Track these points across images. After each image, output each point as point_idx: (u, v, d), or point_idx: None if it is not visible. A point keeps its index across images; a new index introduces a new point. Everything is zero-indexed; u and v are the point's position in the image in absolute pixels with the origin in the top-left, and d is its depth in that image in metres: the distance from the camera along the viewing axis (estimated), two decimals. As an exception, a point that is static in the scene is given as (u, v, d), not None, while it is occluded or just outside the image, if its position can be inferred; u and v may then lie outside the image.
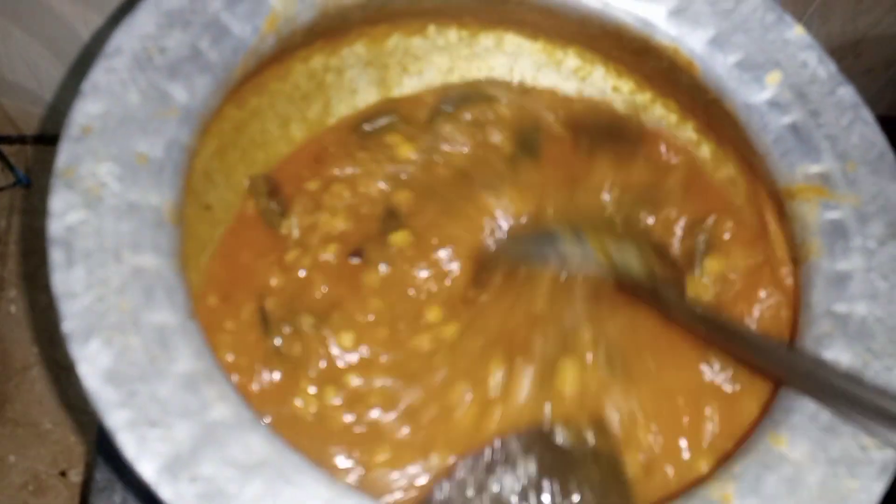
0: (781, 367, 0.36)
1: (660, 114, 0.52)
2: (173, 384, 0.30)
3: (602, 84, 0.54)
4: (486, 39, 0.54)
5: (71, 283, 0.30)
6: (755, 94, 0.44)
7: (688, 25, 0.46)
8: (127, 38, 0.37)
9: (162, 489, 0.27)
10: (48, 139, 0.83)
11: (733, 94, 0.44)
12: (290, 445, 0.31)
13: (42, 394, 0.72)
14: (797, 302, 0.40)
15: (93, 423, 0.72)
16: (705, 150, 0.51)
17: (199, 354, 0.31)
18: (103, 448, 0.51)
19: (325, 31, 0.48)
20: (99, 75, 0.35)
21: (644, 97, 0.53)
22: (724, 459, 0.36)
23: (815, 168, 0.41)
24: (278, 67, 0.48)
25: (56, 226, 0.31)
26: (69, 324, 0.30)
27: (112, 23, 0.69)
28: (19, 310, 0.75)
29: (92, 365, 0.29)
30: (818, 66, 0.43)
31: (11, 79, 0.75)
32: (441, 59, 0.54)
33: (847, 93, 0.42)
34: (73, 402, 0.72)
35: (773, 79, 0.44)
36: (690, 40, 0.45)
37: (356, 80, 0.53)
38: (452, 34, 0.54)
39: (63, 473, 0.70)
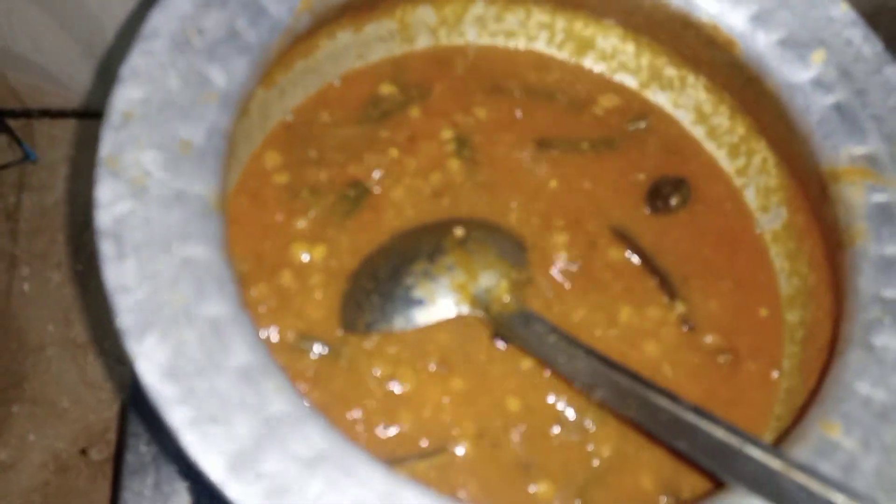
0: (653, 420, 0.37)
1: (695, 93, 0.51)
2: (231, 378, 0.30)
3: (631, 60, 0.53)
4: (514, 14, 0.53)
5: (123, 277, 0.30)
6: (799, 73, 0.43)
7: (728, 1, 0.45)
8: (164, 18, 0.35)
9: (229, 488, 0.27)
10: (54, 113, 0.81)
11: (775, 72, 0.44)
12: (348, 438, 0.30)
13: (59, 372, 0.71)
14: (841, 286, 0.40)
15: (112, 402, 0.71)
16: (740, 129, 0.51)
17: (253, 346, 0.31)
18: (135, 425, 0.51)
19: (353, 6, 0.47)
20: (138, 59, 0.34)
21: (675, 72, 0.52)
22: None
23: (860, 149, 0.41)
24: (305, 44, 0.47)
25: (104, 217, 0.31)
26: (124, 319, 0.29)
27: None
28: (32, 288, 0.74)
29: (150, 361, 0.28)
30: (863, 44, 0.42)
31: (16, 52, 0.73)
32: (470, 30, 0.53)
33: (894, 72, 0.42)
34: (91, 379, 0.71)
35: (818, 57, 0.43)
36: (731, 17, 0.44)
37: (380, 52, 0.52)
38: (479, 6, 0.53)
39: (84, 452, 0.70)
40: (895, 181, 0.39)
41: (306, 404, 0.30)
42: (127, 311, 0.29)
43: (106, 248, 0.30)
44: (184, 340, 0.29)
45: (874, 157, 0.40)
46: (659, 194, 0.49)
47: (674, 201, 0.49)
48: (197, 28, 0.36)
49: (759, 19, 0.44)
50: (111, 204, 0.31)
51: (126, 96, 0.33)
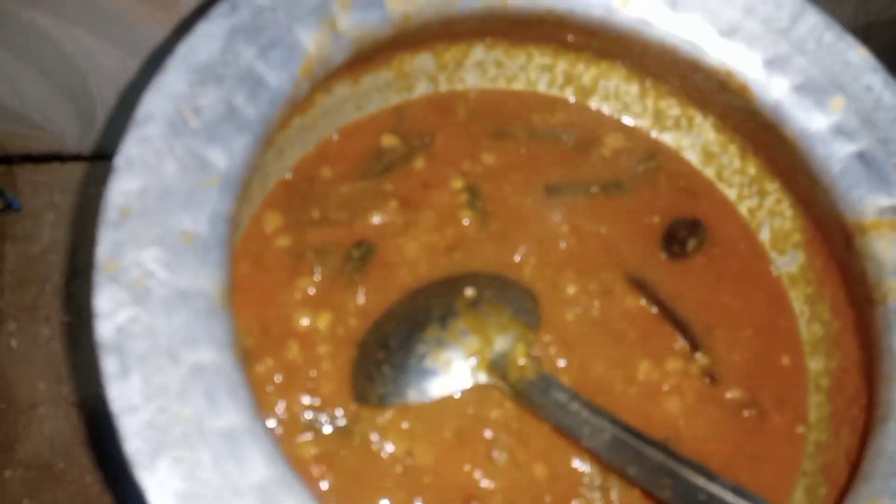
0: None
1: (706, 134, 0.50)
2: (250, 499, 0.28)
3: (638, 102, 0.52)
4: (515, 59, 0.51)
5: (129, 396, 0.28)
6: (817, 121, 0.42)
7: (741, 46, 0.43)
8: (159, 100, 0.33)
9: None
10: (36, 158, 0.78)
11: (792, 120, 0.42)
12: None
13: (52, 433, 0.69)
14: (874, 344, 0.39)
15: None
16: (751, 170, 0.49)
17: (271, 459, 0.29)
18: None
19: (351, 63, 0.45)
20: (132, 147, 0.32)
21: (682, 112, 0.51)
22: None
23: (887, 201, 0.39)
24: (302, 103, 0.45)
25: (105, 329, 0.28)
26: (132, 445, 0.27)
27: (103, 40, 0.64)
28: (20, 344, 0.72)
29: (163, 491, 0.26)
30: (884, 89, 0.41)
31: (-7, 98, 0.71)
32: (470, 75, 0.51)
33: (916, 119, 0.41)
34: (86, 439, 0.69)
35: (837, 104, 0.41)
36: (744, 62, 0.43)
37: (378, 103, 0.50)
38: (479, 51, 0.51)
39: (81, 514, 0.67)
40: (926, 235, 0.38)
41: (332, 522, 0.28)
42: (135, 435, 0.27)
43: (109, 365, 0.28)
44: (198, 462, 0.27)
45: (902, 210, 0.39)
46: (675, 238, 0.47)
47: (690, 245, 0.47)
48: (193, 108, 0.34)
49: (774, 65, 0.42)
50: (112, 313, 0.29)
51: (122, 189, 0.31)
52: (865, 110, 0.41)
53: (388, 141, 0.49)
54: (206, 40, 0.35)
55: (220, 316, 0.31)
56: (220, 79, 0.35)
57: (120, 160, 0.32)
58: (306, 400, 0.40)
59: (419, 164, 0.49)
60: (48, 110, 0.74)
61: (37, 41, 0.66)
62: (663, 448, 0.37)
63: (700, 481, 0.35)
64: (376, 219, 0.46)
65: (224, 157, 0.34)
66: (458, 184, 0.48)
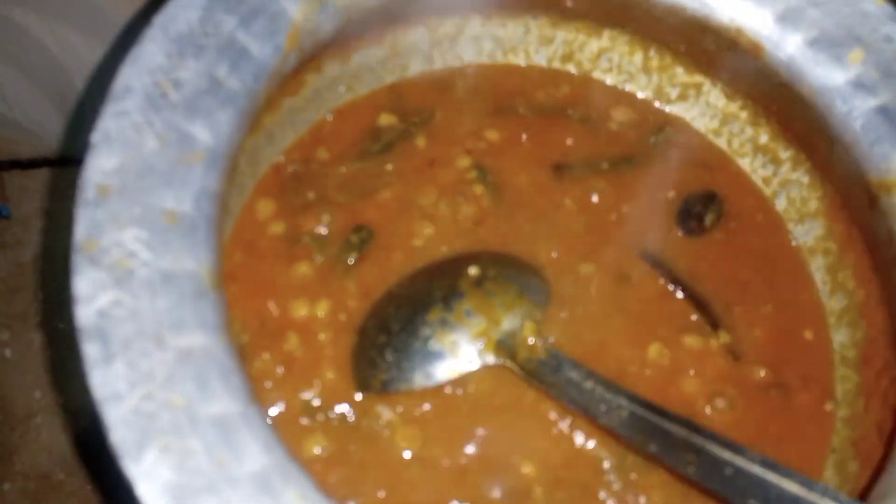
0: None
1: (715, 102, 0.47)
2: (247, 490, 0.25)
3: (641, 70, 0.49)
4: (516, 27, 0.49)
5: (112, 383, 0.25)
6: (835, 76, 0.39)
7: (750, 2, 0.41)
8: (136, 73, 0.31)
9: None
10: (25, 164, 0.76)
11: (809, 76, 0.40)
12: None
13: (50, 442, 0.67)
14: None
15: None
16: (763, 137, 0.47)
17: (268, 446, 0.27)
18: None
19: (341, 38, 0.43)
20: (109, 122, 0.30)
21: (690, 80, 0.49)
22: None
23: (913, 156, 0.37)
24: (292, 82, 0.43)
25: (85, 313, 0.26)
26: (117, 434, 0.25)
27: (87, 35, 0.63)
28: (15, 353, 0.70)
29: (152, 482, 0.24)
30: (903, 40, 0.39)
31: (-23, 102, 0.69)
32: (466, 50, 0.49)
33: (940, 69, 0.38)
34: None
35: (855, 57, 0.39)
36: (755, 19, 0.41)
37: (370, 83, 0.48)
38: (475, 25, 0.49)
39: (83, 526, 0.65)
40: (956, 189, 0.36)
41: (335, 510, 0.26)
42: (119, 424, 0.25)
43: (90, 351, 0.26)
44: (189, 451, 0.25)
45: (930, 164, 0.37)
46: (691, 214, 0.45)
47: (708, 220, 0.45)
48: (173, 80, 0.32)
49: (787, 19, 0.40)
50: (92, 297, 0.27)
51: (99, 167, 0.29)
52: (886, 62, 0.39)
53: (386, 119, 0.47)
54: (184, 9, 0.33)
55: (209, 298, 0.29)
56: (200, 50, 0.33)
57: (96, 136, 0.30)
58: (308, 394, 0.38)
59: (420, 142, 0.46)
60: (35, 113, 0.72)
61: (18, 39, 0.64)
62: (686, 422, 0.35)
63: (726, 455, 0.33)
64: (379, 199, 0.44)
65: (208, 132, 0.32)
66: (464, 162, 0.46)
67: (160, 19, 0.33)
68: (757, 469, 0.33)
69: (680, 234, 0.45)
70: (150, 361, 0.26)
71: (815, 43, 0.40)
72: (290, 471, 0.27)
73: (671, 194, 0.46)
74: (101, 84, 0.32)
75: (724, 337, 0.42)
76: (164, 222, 0.29)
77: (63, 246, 0.76)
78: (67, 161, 0.75)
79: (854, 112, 0.39)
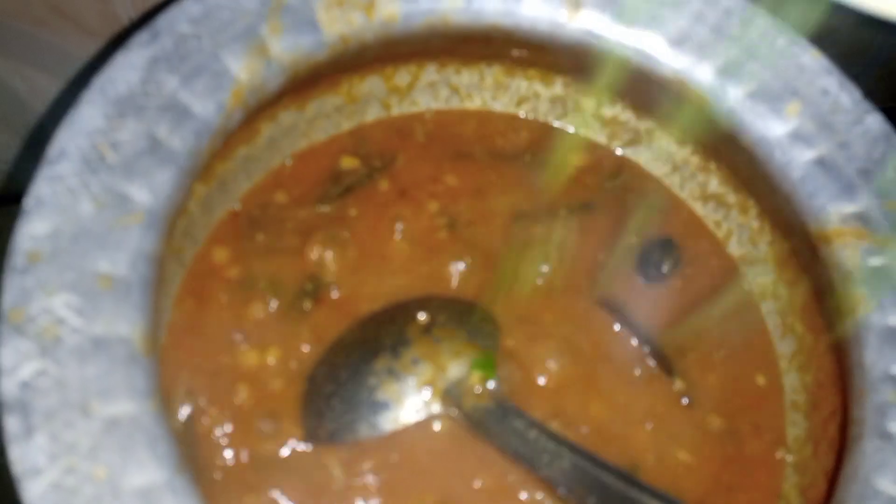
0: None
1: (665, 145, 0.48)
2: (169, 565, 0.25)
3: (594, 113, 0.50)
4: (471, 75, 0.50)
5: (32, 457, 0.25)
6: (774, 127, 0.40)
7: (692, 55, 0.42)
8: (72, 137, 0.31)
9: None
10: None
11: (750, 127, 0.41)
12: None
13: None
14: (845, 358, 0.37)
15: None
16: (714, 181, 0.48)
17: (195, 518, 0.27)
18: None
19: (293, 89, 0.43)
20: (42, 187, 0.30)
21: (642, 126, 0.49)
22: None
23: (850, 208, 0.38)
24: (245, 130, 0.43)
25: (7, 385, 0.26)
26: (35, 510, 0.25)
27: (55, 78, 0.63)
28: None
29: (69, 561, 0.24)
30: (840, 92, 0.40)
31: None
32: (423, 97, 0.50)
33: (875, 121, 0.39)
34: None
35: (793, 109, 0.40)
36: (697, 71, 0.42)
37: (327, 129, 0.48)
38: (430, 72, 0.50)
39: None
40: (891, 241, 0.36)
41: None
42: (39, 499, 0.25)
43: (10, 425, 0.26)
44: (110, 526, 0.25)
45: (866, 216, 0.37)
46: (649, 261, 0.46)
47: (666, 268, 0.45)
48: (111, 143, 0.32)
49: (727, 72, 0.41)
50: (15, 368, 0.27)
51: (30, 233, 0.29)
52: (822, 114, 0.40)
53: (348, 163, 0.47)
54: (124, 71, 0.33)
55: (140, 363, 0.29)
56: (140, 110, 0.33)
57: (29, 202, 0.30)
58: (258, 445, 0.38)
59: (383, 185, 0.47)
60: (3, 152, 0.72)
61: (-15, 83, 0.64)
62: (626, 477, 0.35)
63: None
64: (328, 252, 0.44)
65: (146, 192, 0.32)
66: (434, 206, 0.46)
67: (99, 81, 0.33)
68: None
69: (640, 281, 0.45)
70: (75, 432, 0.26)
71: (754, 95, 0.41)
72: (217, 541, 0.26)
73: (633, 240, 0.47)
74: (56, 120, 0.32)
75: (678, 384, 0.42)
76: (97, 286, 0.29)
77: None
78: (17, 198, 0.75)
79: (792, 163, 0.39)
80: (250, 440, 0.39)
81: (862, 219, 0.37)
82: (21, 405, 0.26)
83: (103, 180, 0.31)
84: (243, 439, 0.39)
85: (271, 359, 0.41)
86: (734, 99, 0.41)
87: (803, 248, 0.41)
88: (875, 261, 0.36)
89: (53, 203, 0.30)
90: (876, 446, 0.32)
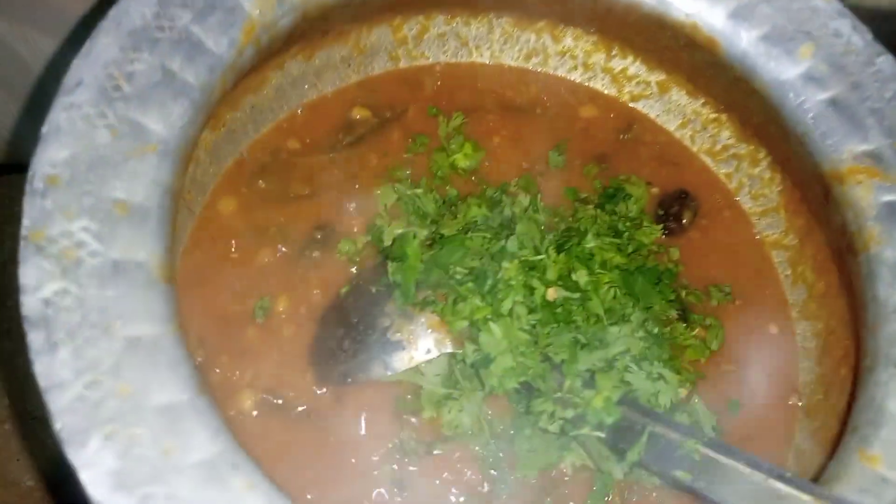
0: None
1: (678, 99, 0.48)
2: (194, 479, 0.25)
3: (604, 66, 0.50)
4: (479, 26, 0.50)
5: (56, 371, 0.25)
6: (787, 70, 0.40)
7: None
8: (88, 67, 0.31)
9: None
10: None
11: (762, 70, 0.41)
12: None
13: (19, 449, 0.66)
14: (857, 293, 0.37)
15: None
16: (726, 133, 0.48)
17: (216, 436, 0.27)
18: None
19: (302, 35, 0.43)
20: (59, 115, 0.30)
21: (653, 77, 0.49)
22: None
23: (863, 147, 0.38)
24: (253, 78, 0.43)
25: (30, 302, 0.26)
26: (61, 422, 0.25)
27: (58, 40, 0.62)
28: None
29: (95, 470, 0.24)
30: (853, 34, 0.40)
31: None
32: (431, 49, 0.50)
33: (887, 62, 0.39)
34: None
35: (806, 51, 0.40)
36: (710, 15, 0.41)
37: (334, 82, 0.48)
38: (439, 23, 0.49)
39: (53, 532, 0.64)
40: (905, 178, 0.36)
41: (284, 500, 0.26)
42: (63, 412, 0.25)
43: (34, 340, 0.26)
44: (135, 439, 0.25)
45: (878, 154, 0.37)
46: (668, 214, 0.46)
47: (686, 219, 0.45)
48: (126, 74, 0.32)
49: (739, 15, 0.41)
50: (38, 286, 0.27)
51: (49, 158, 0.29)
52: (835, 56, 0.40)
53: (360, 112, 0.47)
54: (138, 3, 0.33)
55: (158, 289, 0.29)
56: (154, 43, 0.33)
57: (46, 128, 0.30)
58: (268, 387, 0.38)
59: (395, 135, 0.47)
60: (6, 118, 0.71)
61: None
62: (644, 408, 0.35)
63: (674, 435, 0.33)
64: (338, 198, 0.44)
65: (161, 124, 0.32)
66: (444, 159, 0.46)
67: (114, 13, 0.33)
68: (706, 450, 0.33)
69: (662, 235, 0.45)
70: (97, 350, 0.26)
71: (767, 38, 0.40)
72: (238, 460, 0.27)
73: (654, 190, 0.47)
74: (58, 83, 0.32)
75: (699, 332, 0.42)
76: (115, 213, 0.29)
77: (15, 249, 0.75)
78: (16, 168, 0.74)
79: (805, 105, 0.39)
80: (262, 386, 0.39)
81: (874, 157, 0.37)
82: (44, 321, 0.26)
83: (119, 110, 0.31)
84: (256, 386, 0.39)
85: (281, 305, 0.41)
86: (747, 42, 0.41)
87: (815, 193, 0.41)
88: (887, 197, 0.36)
89: (70, 130, 0.30)
90: (891, 374, 0.32)
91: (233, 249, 0.42)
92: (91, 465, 0.24)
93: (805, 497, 0.28)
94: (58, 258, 0.27)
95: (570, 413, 0.35)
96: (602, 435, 0.34)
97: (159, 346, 0.28)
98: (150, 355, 0.27)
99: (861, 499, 0.28)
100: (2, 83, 0.67)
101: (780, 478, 0.29)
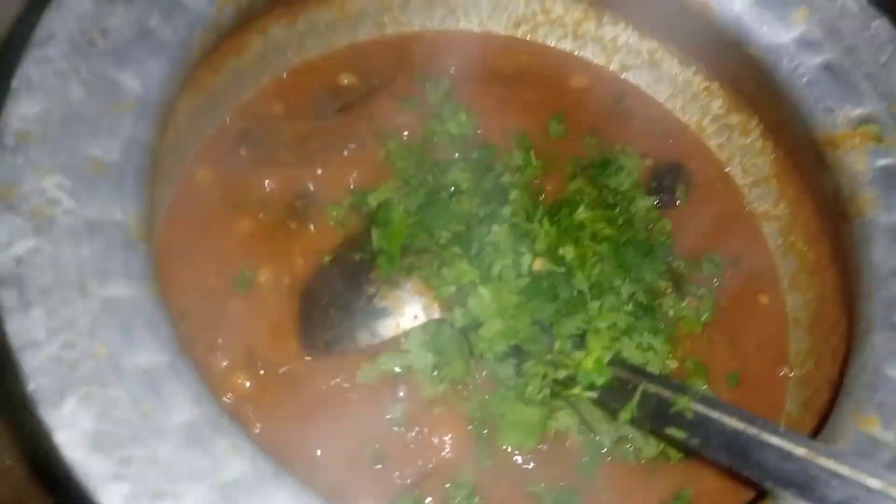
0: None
1: (668, 67, 0.47)
2: (175, 441, 0.24)
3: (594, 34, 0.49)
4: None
5: (30, 330, 0.24)
6: (781, 34, 0.39)
7: (698, -38, 0.41)
8: (61, 19, 0.30)
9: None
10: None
11: (755, 34, 0.40)
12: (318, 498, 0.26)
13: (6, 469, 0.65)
14: (849, 260, 0.37)
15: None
16: (717, 102, 0.47)
17: (198, 398, 0.26)
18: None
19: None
20: (31, 68, 0.29)
21: (644, 45, 0.48)
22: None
23: (858, 111, 0.37)
24: (235, 40, 0.41)
25: (1, 260, 0.25)
26: (34, 382, 0.24)
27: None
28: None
29: (71, 430, 0.23)
30: (847, -3, 0.39)
31: None
32: (418, 16, 0.49)
33: (882, 26, 0.38)
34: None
35: (800, 15, 0.39)
36: (702, -21, 0.41)
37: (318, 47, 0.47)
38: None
39: (33, 513, 0.63)
40: (899, 142, 0.36)
41: (269, 464, 0.25)
42: (37, 372, 0.24)
43: (6, 298, 0.25)
44: (112, 400, 0.24)
45: (874, 118, 0.37)
46: (662, 187, 0.45)
47: (679, 191, 0.45)
48: (100, 28, 0.31)
49: (733, -22, 0.40)
50: (9, 243, 0.25)
51: (20, 113, 0.28)
52: (830, 19, 0.39)
53: (348, 78, 0.46)
54: (114, -44, 0.32)
55: (136, 248, 0.28)
56: (130, -2, 0.32)
57: (17, 82, 0.29)
58: (253, 359, 0.37)
59: (384, 102, 0.45)
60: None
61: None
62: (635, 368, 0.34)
63: (666, 393, 0.33)
64: (323, 165, 0.43)
65: (137, 81, 0.31)
66: (439, 125, 0.44)
67: (88, -35, 0.31)
68: (699, 406, 0.32)
69: (657, 207, 0.44)
70: (73, 310, 0.25)
71: (760, 2, 0.40)
72: (220, 423, 0.26)
73: (647, 162, 0.46)
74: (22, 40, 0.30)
75: (691, 303, 0.42)
76: (90, 171, 0.28)
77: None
78: None
79: (800, 69, 0.39)
80: (247, 358, 0.38)
81: (869, 121, 0.37)
82: (17, 280, 0.25)
83: (93, 65, 0.30)
84: (240, 358, 0.38)
85: (263, 276, 0.40)
86: (740, 6, 0.40)
87: (808, 159, 0.40)
88: (883, 161, 0.36)
89: (42, 85, 0.29)
90: (886, 337, 0.32)
91: (212, 220, 0.40)
92: (66, 426, 0.23)
93: (800, 450, 0.28)
94: (30, 216, 0.26)
95: (562, 374, 0.34)
96: (594, 395, 0.34)
97: (137, 307, 0.27)
98: (128, 316, 0.26)
99: (856, 461, 0.28)
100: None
101: (775, 432, 0.29)
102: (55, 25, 0.30)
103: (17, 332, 0.24)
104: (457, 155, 0.44)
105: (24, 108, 0.28)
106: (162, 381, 0.25)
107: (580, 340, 0.35)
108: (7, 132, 0.27)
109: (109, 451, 0.23)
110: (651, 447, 0.37)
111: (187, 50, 0.33)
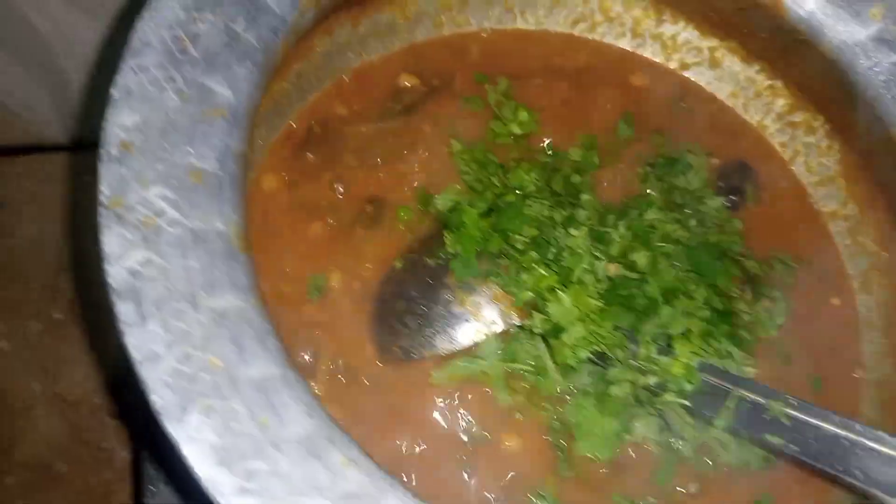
0: None
1: (729, 64, 0.47)
2: (293, 454, 0.24)
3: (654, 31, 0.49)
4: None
5: (149, 343, 0.24)
6: (856, 31, 0.39)
7: (770, -42, 0.40)
8: (153, 27, 0.30)
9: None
10: (13, 150, 0.74)
11: (829, 32, 0.39)
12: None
13: (49, 433, 0.65)
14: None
15: (112, 460, 0.65)
16: (781, 100, 0.47)
17: (311, 410, 0.26)
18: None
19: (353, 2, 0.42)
20: (128, 77, 0.29)
21: (705, 43, 0.48)
22: None
23: (939, 109, 0.37)
24: (302, 45, 0.41)
25: (117, 272, 0.25)
26: (158, 395, 0.24)
27: (75, 10, 0.60)
28: (10, 344, 0.68)
29: (197, 444, 0.23)
30: (926, -7, 0.39)
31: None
32: (475, 15, 0.48)
33: (963, 21, 0.38)
34: (86, 438, 0.65)
35: (876, 12, 0.39)
36: (774, -25, 0.40)
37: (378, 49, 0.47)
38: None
39: (86, 518, 0.63)
40: None
41: (385, 476, 0.25)
42: (161, 385, 0.24)
43: (124, 312, 0.24)
44: (232, 412, 0.24)
45: (957, 116, 0.37)
46: (730, 187, 0.44)
47: (748, 191, 0.44)
48: (190, 34, 0.30)
49: (807, -25, 0.40)
50: (122, 255, 0.25)
51: (121, 122, 0.28)
52: (909, 16, 0.39)
53: (408, 80, 0.46)
54: (200, -38, 0.32)
55: (239, 259, 0.28)
56: (217, 3, 0.31)
57: (116, 92, 0.28)
58: (332, 367, 0.37)
59: (445, 102, 0.45)
60: (22, 96, 0.69)
61: (3, 17, 0.61)
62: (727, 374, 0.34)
63: (758, 397, 0.32)
64: (390, 167, 0.42)
65: (227, 88, 0.31)
66: (501, 127, 0.44)
67: (176, -27, 0.31)
68: (794, 411, 0.32)
69: (726, 208, 0.44)
70: (185, 322, 0.25)
71: (836, -1, 0.39)
72: (334, 435, 0.26)
73: (714, 161, 0.45)
74: (100, 70, 0.30)
75: (765, 305, 0.41)
76: (189, 180, 0.28)
77: (55, 231, 0.73)
78: (58, 148, 0.73)
79: (877, 67, 0.38)
80: (324, 365, 0.38)
81: (953, 119, 0.37)
82: (133, 292, 0.25)
83: (186, 73, 0.30)
84: (317, 365, 0.38)
85: (334, 282, 0.40)
86: (813, 3, 0.40)
87: (882, 158, 0.40)
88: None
89: (140, 94, 0.29)
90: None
91: (282, 227, 0.40)
92: (193, 440, 0.23)
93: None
94: (138, 227, 0.26)
95: (651, 380, 0.34)
96: (686, 402, 0.33)
97: (245, 318, 0.26)
98: (237, 328, 0.26)
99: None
100: (16, 54, 0.65)
101: (879, 438, 0.29)
102: (148, 33, 0.30)
103: (137, 345, 0.24)
104: (521, 156, 0.44)
105: (125, 118, 0.28)
106: (275, 394, 0.25)
107: (665, 346, 0.35)
108: (111, 143, 0.27)
109: (234, 464, 0.23)
110: (731, 454, 0.37)
111: (271, 54, 0.33)
